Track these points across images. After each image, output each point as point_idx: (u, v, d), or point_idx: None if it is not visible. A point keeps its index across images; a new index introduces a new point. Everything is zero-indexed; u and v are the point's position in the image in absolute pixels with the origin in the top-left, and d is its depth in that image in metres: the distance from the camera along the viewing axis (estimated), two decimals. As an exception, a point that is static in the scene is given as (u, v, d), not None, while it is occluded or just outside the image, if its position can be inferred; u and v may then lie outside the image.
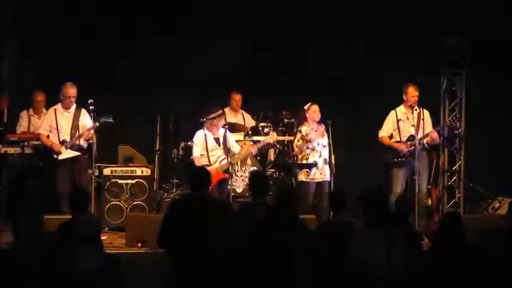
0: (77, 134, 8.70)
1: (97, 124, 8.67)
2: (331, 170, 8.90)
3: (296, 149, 9.05)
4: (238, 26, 10.62)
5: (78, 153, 8.69)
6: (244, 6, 10.55)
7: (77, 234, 5.09)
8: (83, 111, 8.82)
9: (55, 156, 8.69)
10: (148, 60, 10.59)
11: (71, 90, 8.75)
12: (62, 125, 8.78)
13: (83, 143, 8.74)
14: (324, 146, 8.99)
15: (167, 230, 5.68)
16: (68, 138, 8.74)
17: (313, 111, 9.01)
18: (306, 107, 9.08)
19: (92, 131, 8.64)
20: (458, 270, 5.34)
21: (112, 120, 8.81)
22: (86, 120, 8.79)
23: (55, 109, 8.86)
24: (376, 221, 5.52)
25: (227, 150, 8.72)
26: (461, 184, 10.59)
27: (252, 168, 9.77)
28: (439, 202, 10.54)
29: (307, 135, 8.94)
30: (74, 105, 8.82)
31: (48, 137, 8.78)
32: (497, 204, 9.79)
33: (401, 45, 10.47)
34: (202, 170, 6.55)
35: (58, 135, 8.76)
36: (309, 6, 10.53)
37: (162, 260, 5.81)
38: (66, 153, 8.71)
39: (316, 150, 8.97)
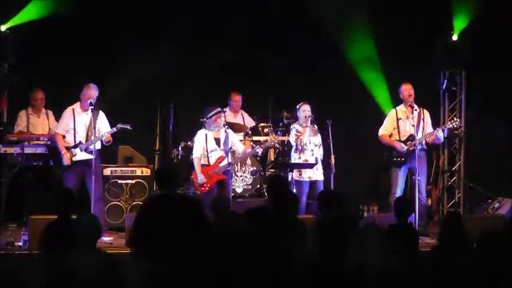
0: (93, 136, 8.51)
1: (114, 130, 8.62)
2: (330, 170, 8.88)
3: (297, 141, 8.96)
4: (239, 25, 10.66)
5: (91, 157, 8.49)
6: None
7: (77, 235, 5.08)
8: (101, 113, 8.72)
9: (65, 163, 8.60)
10: (148, 59, 10.60)
11: (92, 93, 8.61)
12: (79, 125, 8.68)
13: (98, 146, 8.59)
14: (316, 145, 8.96)
15: (138, 232, 5.64)
16: (83, 140, 8.63)
17: (303, 111, 8.99)
18: (297, 106, 9.08)
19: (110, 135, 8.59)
20: (460, 271, 5.34)
21: (130, 128, 8.73)
22: (104, 122, 8.70)
23: (73, 109, 8.73)
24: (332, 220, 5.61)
25: (227, 151, 8.71)
26: (461, 184, 10.60)
27: (252, 168, 9.77)
28: (439, 202, 10.55)
29: (299, 132, 8.93)
30: (91, 107, 8.64)
31: (64, 137, 8.68)
32: (497, 204, 9.79)
33: (401, 45, 10.47)
34: (169, 167, 6.43)
35: (74, 135, 8.67)
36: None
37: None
38: (79, 155, 8.61)
39: (307, 148, 8.93)
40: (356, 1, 10.50)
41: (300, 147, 8.92)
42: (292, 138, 9.01)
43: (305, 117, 8.92)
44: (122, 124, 8.65)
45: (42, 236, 5.80)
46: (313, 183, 8.90)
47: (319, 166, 8.93)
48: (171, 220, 5.53)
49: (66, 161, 8.57)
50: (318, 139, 9.01)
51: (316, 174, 8.91)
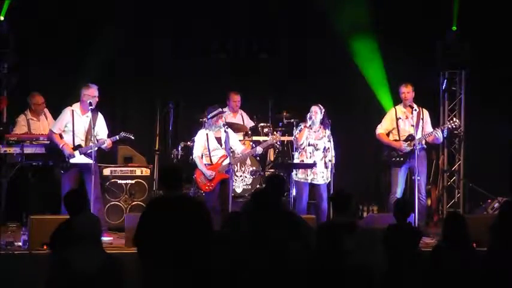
0: (93, 138, 8.41)
1: (117, 138, 8.59)
2: (330, 170, 8.82)
3: (295, 138, 8.91)
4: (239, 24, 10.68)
5: (90, 161, 8.40)
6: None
7: (77, 235, 5.08)
8: (100, 115, 8.63)
9: (66, 159, 8.50)
10: (148, 60, 10.62)
11: (92, 93, 8.47)
12: (78, 128, 8.57)
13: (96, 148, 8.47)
14: (318, 149, 8.84)
15: (142, 231, 5.63)
16: (82, 144, 8.55)
17: (310, 112, 8.96)
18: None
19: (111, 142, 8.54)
20: (461, 270, 5.36)
21: (132, 137, 8.75)
22: (101, 125, 8.61)
23: (72, 110, 8.59)
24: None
25: (229, 150, 8.70)
26: (461, 184, 10.60)
27: (251, 168, 9.77)
28: (438, 202, 10.56)
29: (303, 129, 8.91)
30: (91, 107, 8.51)
31: (61, 136, 8.59)
32: (496, 204, 9.77)
33: (401, 45, 10.47)
34: (175, 168, 6.38)
35: (73, 137, 8.56)
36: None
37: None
38: (78, 158, 8.53)
39: (305, 149, 8.87)
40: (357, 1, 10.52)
41: (296, 146, 8.90)
42: (294, 136, 9.00)
43: (309, 117, 8.89)
44: (125, 133, 8.66)
45: (53, 236, 5.77)
46: (312, 186, 8.83)
47: (319, 170, 8.72)
48: (171, 223, 5.52)
49: (68, 152, 8.45)
50: (322, 142, 8.83)
51: (316, 177, 8.78)
